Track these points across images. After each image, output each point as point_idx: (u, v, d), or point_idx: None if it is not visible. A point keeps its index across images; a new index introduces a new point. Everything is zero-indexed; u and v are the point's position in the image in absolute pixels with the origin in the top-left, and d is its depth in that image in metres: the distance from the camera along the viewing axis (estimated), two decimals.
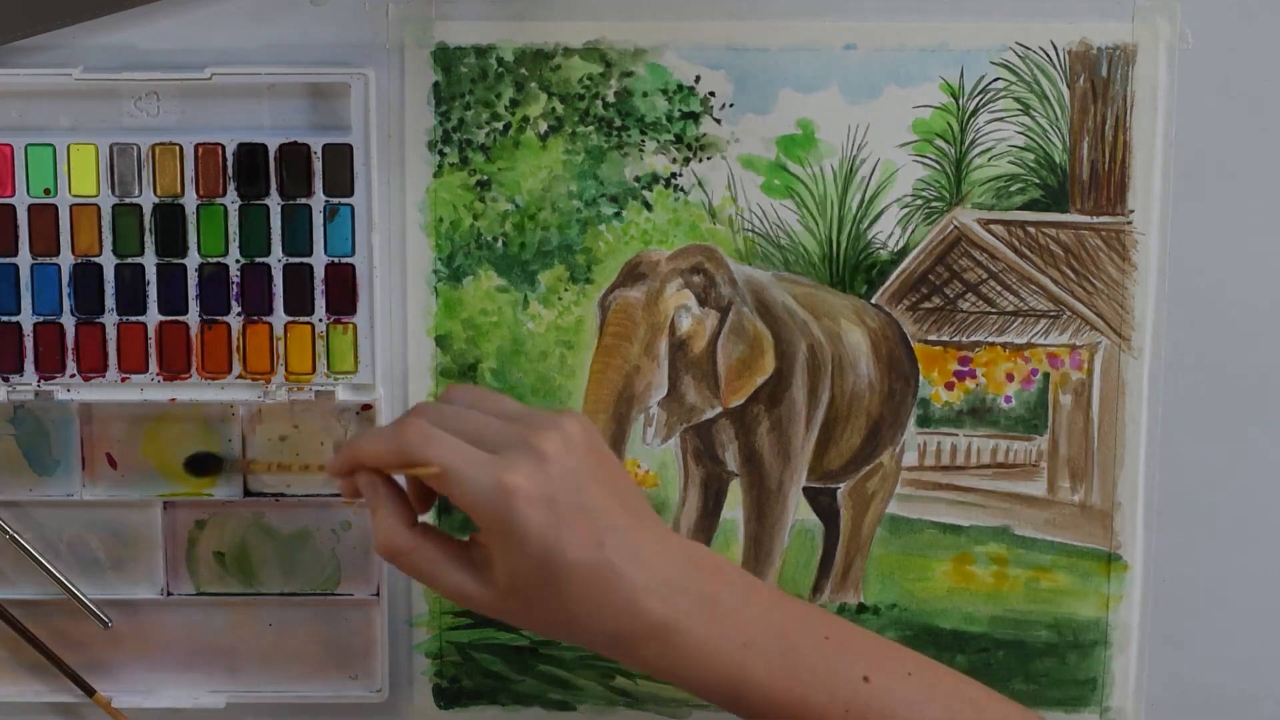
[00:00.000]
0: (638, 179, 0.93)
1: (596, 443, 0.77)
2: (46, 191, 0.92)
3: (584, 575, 0.74)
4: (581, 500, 0.74)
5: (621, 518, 0.75)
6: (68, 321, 0.92)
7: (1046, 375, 0.95)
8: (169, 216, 0.92)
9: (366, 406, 0.93)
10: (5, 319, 0.92)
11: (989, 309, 0.94)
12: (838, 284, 0.94)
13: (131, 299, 0.92)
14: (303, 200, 0.92)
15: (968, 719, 0.77)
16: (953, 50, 0.92)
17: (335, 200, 0.92)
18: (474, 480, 0.74)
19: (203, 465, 0.93)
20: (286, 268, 0.92)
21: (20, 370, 0.93)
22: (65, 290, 0.92)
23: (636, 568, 0.75)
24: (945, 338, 0.95)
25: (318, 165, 0.91)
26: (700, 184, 0.93)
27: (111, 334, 0.93)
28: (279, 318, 0.93)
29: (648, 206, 0.93)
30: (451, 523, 0.95)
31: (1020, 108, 0.92)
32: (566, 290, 0.94)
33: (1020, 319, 0.94)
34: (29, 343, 0.93)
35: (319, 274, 0.92)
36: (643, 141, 0.92)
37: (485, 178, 0.93)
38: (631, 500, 0.77)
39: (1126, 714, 0.97)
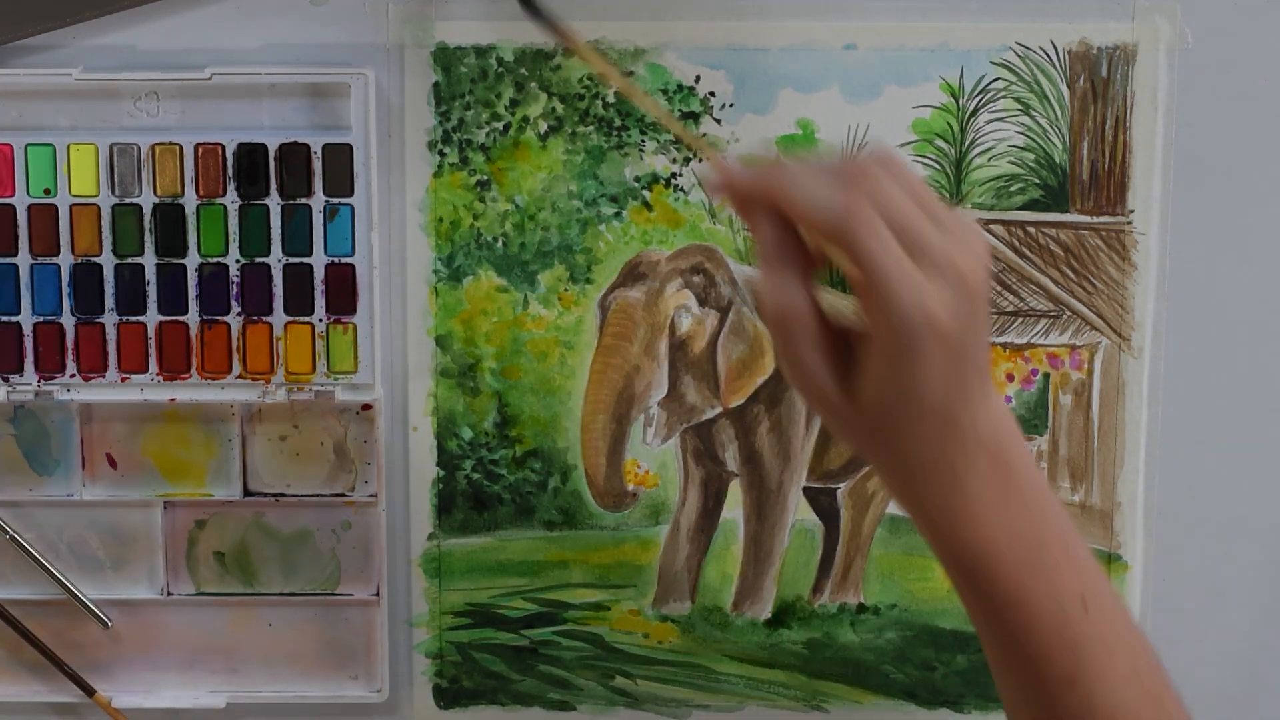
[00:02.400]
0: (638, 179, 0.93)
1: (989, 288, 0.70)
2: (46, 191, 0.92)
3: (940, 419, 0.69)
4: (971, 344, 0.68)
5: (981, 364, 0.70)
6: (68, 321, 0.92)
7: (1046, 375, 0.95)
8: (169, 216, 0.92)
9: (366, 406, 0.93)
10: (5, 319, 0.92)
11: (989, 309, 0.94)
12: (838, 284, 0.94)
13: (131, 299, 0.92)
14: (303, 200, 0.92)
15: (1147, 672, 0.74)
16: (953, 50, 0.92)
17: (335, 200, 0.92)
18: (900, 297, 0.66)
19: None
20: (286, 268, 0.92)
21: (20, 370, 0.93)
22: (65, 290, 0.92)
23: (969, 419, 0.69)
24: None
25: (318, 165, 0.91)
26: (700, 184, 0.93)
27: (111, 334, 0.93)
28: (279, 318, 0.93)
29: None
30: (450, 522, 0.95)
31: (1020, 108, 0.92)
32: (567, 290, 0.94)
33: (1020, 319, 0.94)
34: (29, 343, 0.93)
35: (319, 274, 0.92)
36: (643, 141, 0.92)
37: (485, 178, 0.93)
38: (988, 344, 0.72)
39: None
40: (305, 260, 0.92)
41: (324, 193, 0.92)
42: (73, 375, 0.93)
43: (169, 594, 0.95)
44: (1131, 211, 0.93)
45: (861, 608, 0.96)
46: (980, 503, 0.70)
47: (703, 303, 0.94)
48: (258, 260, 0.92)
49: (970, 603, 0.72)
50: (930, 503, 0.71)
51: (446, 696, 0.97)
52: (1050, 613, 0.70)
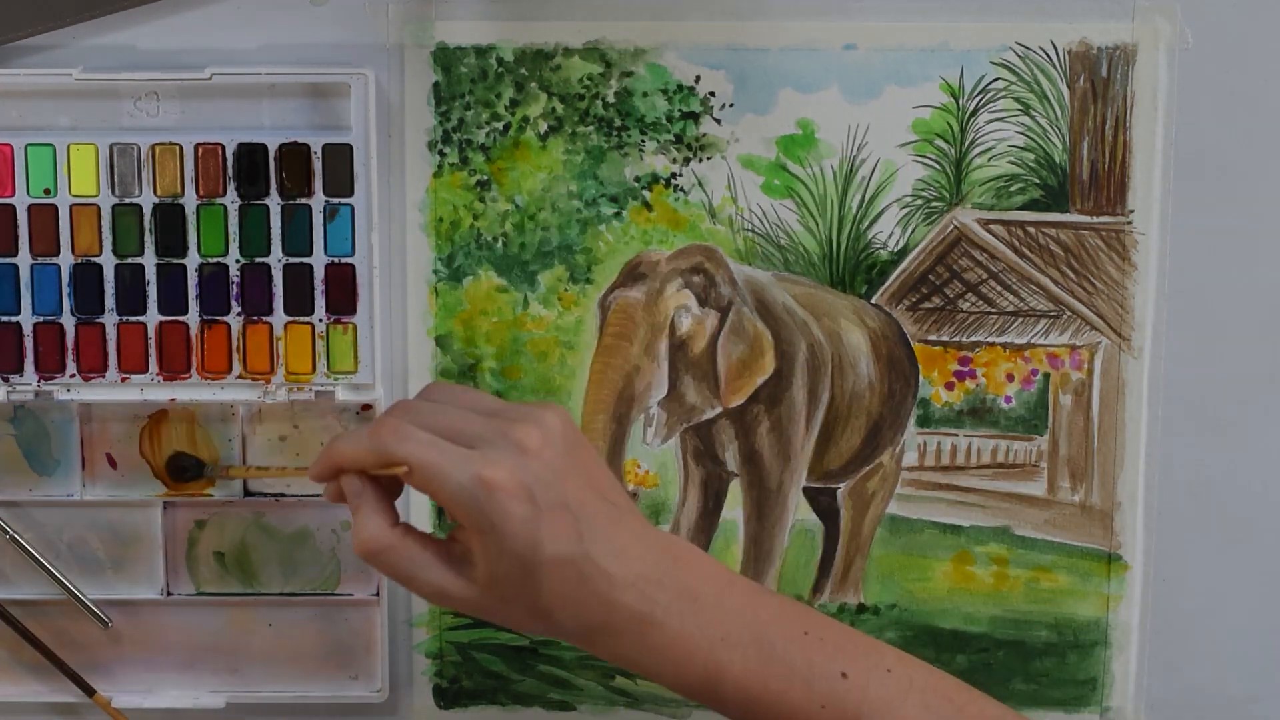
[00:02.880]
0: (638, 179, 0.93)
1: (575, 436, 0.77)
2: (46, 191, 0.92)
3: (561, 569, 0.74)
4: (561, 494, 0.74)
5: (600, 511, 0.75)
6: (68, 321, 0.92)
7: (1046, 375, 0.95)
8: (169, 216, 0.92)
9: (366, 406, 0.93)
10: (5, 319, 0.92)
11: (989, 309, 0.94)
12: (838, 284, 0.94)
13: (131, 299, 0.92)
14: (303, 200, 0.92)
15: (947, 717, 0.76)
16: (953, 50, 0.92)
17: (335, 200, 0.92)
18: (452, 476, 0.73)
19: (182, 470, 0.93)
20: (286, 268, 0.92)
21: (20, 370, 0.93)
22: (65, 290, 0.92)
23: (614, 561, 0.75)
24: (945, 338, 0.95)
25: (318, 165, 0.91)
26: (700, 184, 0.93)
27: (111, 334, 0.93)
28: (279, 318, 0.93)
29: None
30: (451, 522, 0.95)
31: (1020, 108, 0.92)
32: (567, 290, 0.94)
33: (1020, 319, 0.94)
34: (29, 343, 0.93)
35: (319, 274, 0.92)
36: (643, 141, 0.92)
37: (485, 178, 0.93)
38: (611, 493, 0.77)
39: (1126, 714, 0.97)
40: (305, 260, 0.92)
41: (324, 193, 0.92)
42: (73, 375, 0.93)
43: (169, 594, 0.95)
44: (1131, 211, 0.93)
45: (861, 608, 0.96)
46: (676, 627, 0.75)
47: (703, 303, 0.94)
48: (258, 260, 0.92)
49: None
50: (622, 647, 0.75)
51: (446, 696, 0.97)
52: (803, 695, 0.75)
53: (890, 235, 0.93)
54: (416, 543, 0.77)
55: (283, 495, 0.95)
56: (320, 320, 0.93)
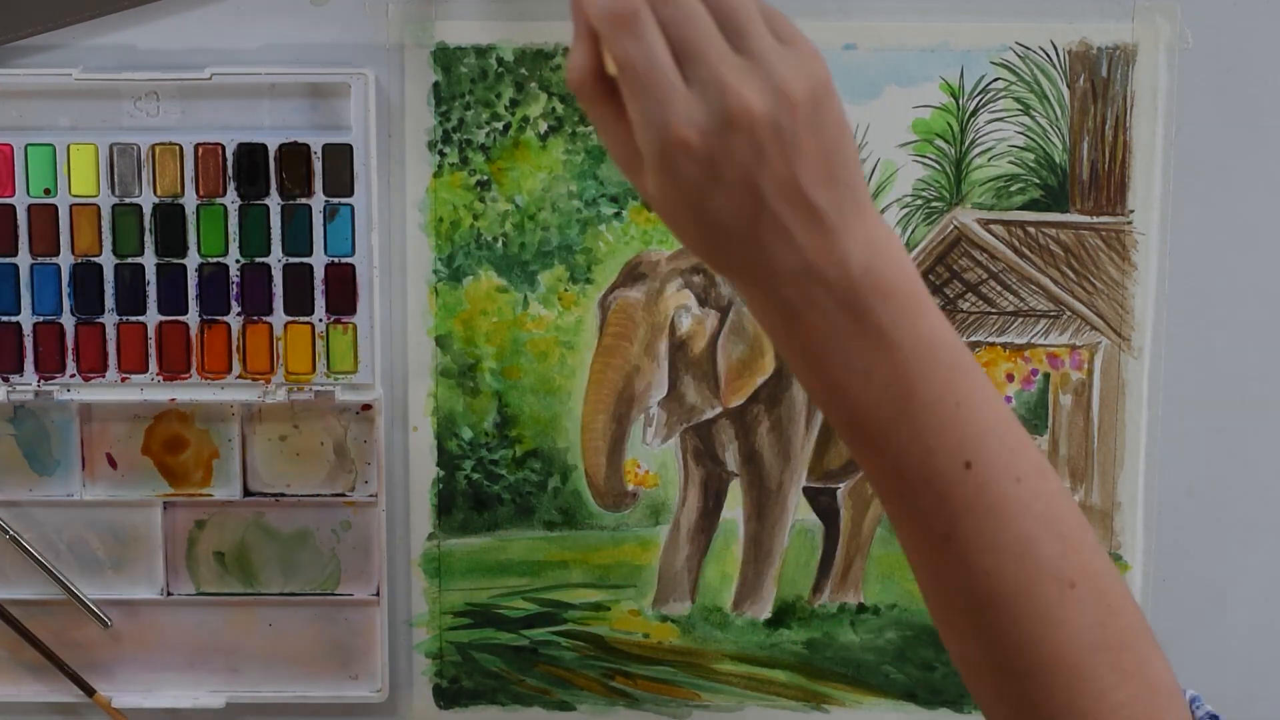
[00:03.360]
0: None
1: (814, 113, 0.64)
2: (46, 191, 0.92)
3: (728, 231, 0.64)
4: (752, 176, 0.63)
5: (799, 201, 0.64)
6: (68, 321, 0.92)
7: (1046, 375, 0.95)
8: (169, 216, 0.92)
9: (366, 406, 0.93)
10: (5, 319, 0.92)
11: (989, 309, 0.94)
12: None
13: (131, 299, 0.92)
14: (303, 200, 0.92)
15: (1049, 554, 0.66)
16: (953, 50, 0.92)
17: (335, 200, 0.92)
18: (646, 109, 0.63)
19: None
20: (286, 268, 0.92)
21: (20, 370, 0.93)
22: (65, 290, 0.92)
23: (787, 251, 0.64)
24: None
25: (318, 165, 0.91)
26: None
27: (111, 334, 0.93)
28: (279, 318, 0.93)
29: None
30: (450, 523, 0.95)
31: (1020, 108, 0.92)
32: (567, 290, 0.94)
33: (1020, 319, 0.94)
34: (29, 343, 0.93)
35: (319, 274, 0.92)
36: None
37: (485, 178, 0.93)
38: (824, 185, 0.64)
39: None
40: (305, 260, 0.92)
41: (324, 193, 0.91)
42: (73, 375, 0.93)
43: (169, 594, 0.95)
44: (1131, 211, 0.93)
45: (861, 608, 0.96)
46: (825, 343, 0.65)
47: (703, 303, 0.94)
48: (258, 260, 0.92)
49: (849, 447, 0.67)
50: (771, 320, 0.67)
51: (446, 696, 0.97)
52: (917, 463, 0.65)
53: None
54: (612, 110, 0.66)
55: (283, 495, 0.95)
56: (320, 320, 0.93)
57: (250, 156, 0.91)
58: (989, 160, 0.93)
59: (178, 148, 0.91)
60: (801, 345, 0.66)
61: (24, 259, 0.92)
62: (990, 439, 0.66)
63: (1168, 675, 0.68)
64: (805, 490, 0.96)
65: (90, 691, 0.95)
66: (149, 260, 0.92)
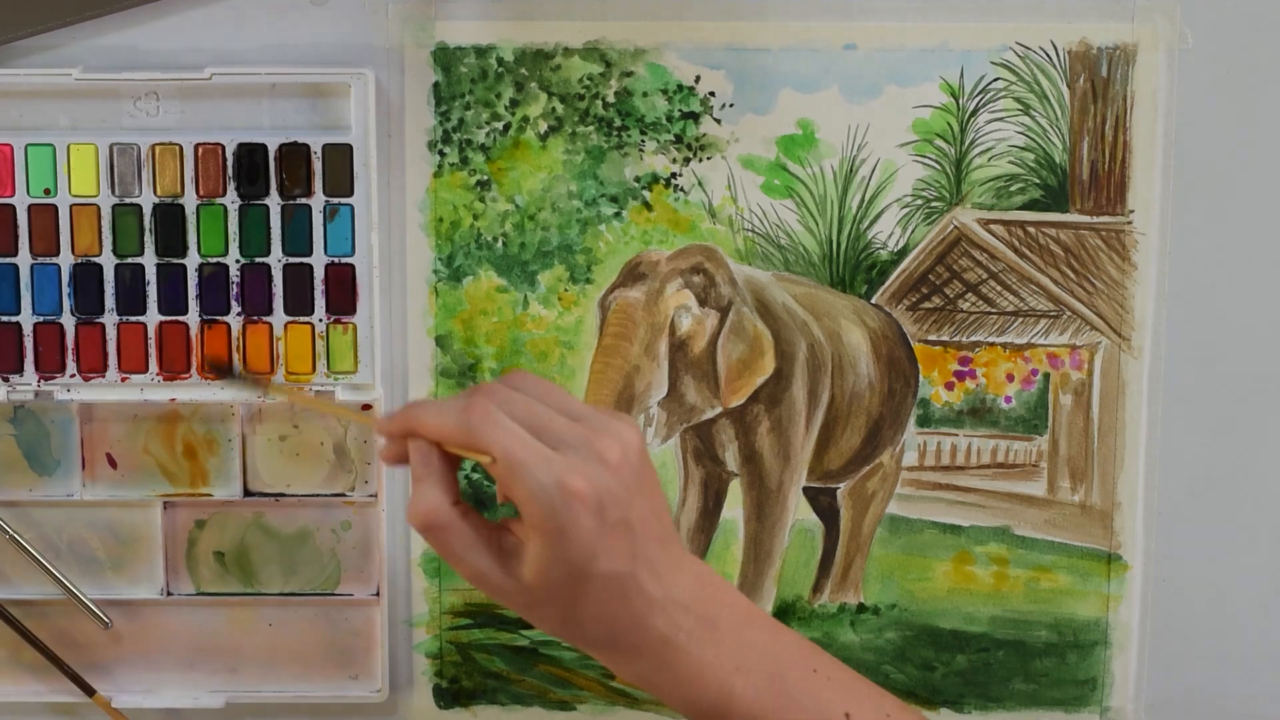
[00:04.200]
0: (638, 179, 0.93)
1: (645, 455, 0.77)
2: (46, 191, 0.92)
3: (608, 584, 0.74)
4: (626, 513, 0.74)
5: (654, 535, 0.76)
6: (68, 321, 0.93)
7: (1046, 375, 0.95)
8: (169, 216, 0.92)
9: (366, 406, 0.93)
10: (5, 319, 0.92)
11: (989, 309, 0.94)
12: (838, 284, 0.94)
13: (131, 299, 0.92)
14: (303, 200, 0.92)
15: None
16: (953, 50, 0.92)
17: (335, 200, 0.92)
18: (535, 475, 0.73)
19: (218, 369, 0.92)
20: (286, 268, 0.92)
21: (20, 370, 0.93)
22: (65, 290, 0.92)
23: (655, 583, 0.75)
24: (945, 338, 0.95)
25: (318, 165, 0.91)
26: (700, 184, 0.93)
27: (111, 334, 0.93)
28: (279, 318, 0.93)
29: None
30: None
31: (1020, 108, 0.92)
32: (567, 290, 0.94)
33: (1020, 319, 0.94)
34: (29, 343, 0.93)
35: (319, 274, 0.92)
36: (643, 141, 0.93)
37: (485, 178, 0.93)
38: (665, 517, 0.77)
39: (1126, 714, 0.97)
40: (305, 260, 0.92)
41: (324, 193, 0.92)
42: (73, 375, 0.93)
43: (169, 594, 0.95)
44: (1131, 211, 0.93)
45: (861, 608, 0.96)
46: (696, 654, 0.75)
47: (703, 303, 0.94)
48: (258, 260, 0.92)
49: None
50: (641, 666, 0.76)
51: (446, 696, 0.97)
52: None
53: (890, 235, 0.93)
54: (471, 526, 0.76)
55: (283, 495, 0.95)
56: (320, 320, 0.93)
57: (250, 156, 0.91)
58: (989, 160, 0.93)
59: (178, 148, 0.91)
60: (679, 662, 0.76)
61: (24, 259, 0.92)
62: (855, 690, 0.78)
63: None
64: (805, 490, 0.96)
65: (90, 691, 0.95)
66: (149, 260, 0.92)
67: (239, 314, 0.92)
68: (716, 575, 0.78)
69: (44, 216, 0.92)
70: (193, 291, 0.92)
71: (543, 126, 0.93)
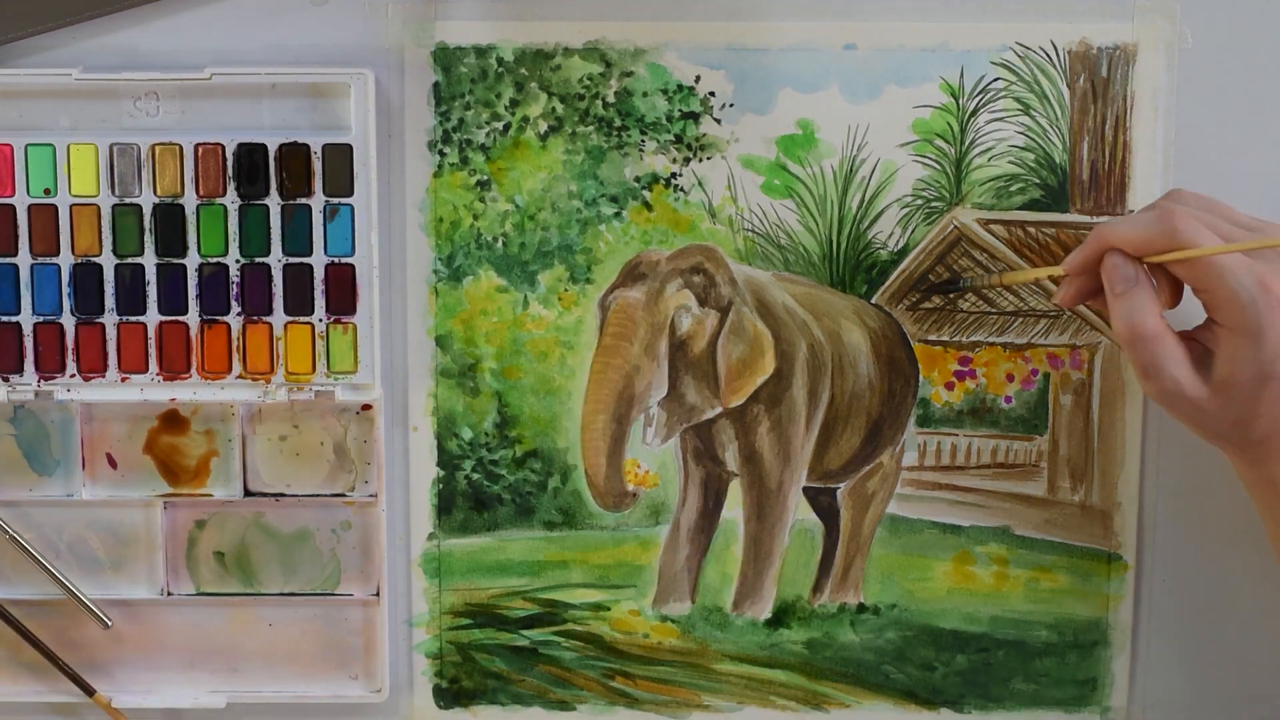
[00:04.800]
0: (638, 179, 0.93)
1: None
2: (46, 191, 0.92)
3: None
4: None
5: None
6: (68, 321, 0.93)
7: (1047, 375, 0.95)
8: (169, 216, 0.92)
9: (366, 406, 0.93)
10: (5, 319, 0.92)
11: (989, 309, 0.94)
12: (838, 284, 0.94)
13: (131, 299, 0.92)
14: (303, 200, 0.92)
15: None
16: (953, 50, 0.92)
17: (335, 200, 0.92)
18: (1238, 277, 0.78)
19: (942, 288, 0.93)
20: (286, 268, 0.92)
21: (20, 370, 0.93)
22: (65, 290, 0.92)
23: None
24: (945, 338, 0.95)
25: (318, 165, 0.91)
26: (700, 184, 0.93)
27: (111, 334, 0.93)
28: (279, 318, 0.93)
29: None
30: (450, 523, 0.95)
31: (1020, 108, 0.92)
32: (567, 290, 0.94)
33: (1020, 319, 0.94)
34: (29, 343, 0.93)
35: (319, 274, 0.92)
36: (643, 141, 0.93)
37: (485, 178, 0.93)
38: None
39: (1126, 714, 0.97)
40: (305, 260, 0.92)
41: (324, 193, 0.92)
42: (73, 375, 0.93)
43: (169, 594, 0.95)
44: (1131, 211, 0.93)
45: (861, 608, 0.96)
46: None
47: (703, 303, 0.94)
48: (258, 260, 0.92)
49: None
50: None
51: (446, 696, 0.97)
52: None
53: (890, 235, 0.93)
54: (1173, 337, 0.82)
55: (283, 495, 0.95)
56: (320, 320, 0.93)
57: (250, 156, 0.91)
58: (989, 160, 0.93)
59: (178, 148, 0.91)
60: None
61: (24, 259, 0.92)
62: None
63: None
64: (805, 490, 0.96)
65: (90, 691, 0.95)
66: (149, 260, 0.92)
67: (239, 314, 0.92)
68: None
69: (44, 216, 0.92)
70: (193, 291, 0.92)
71: (543, 126, 0.93)
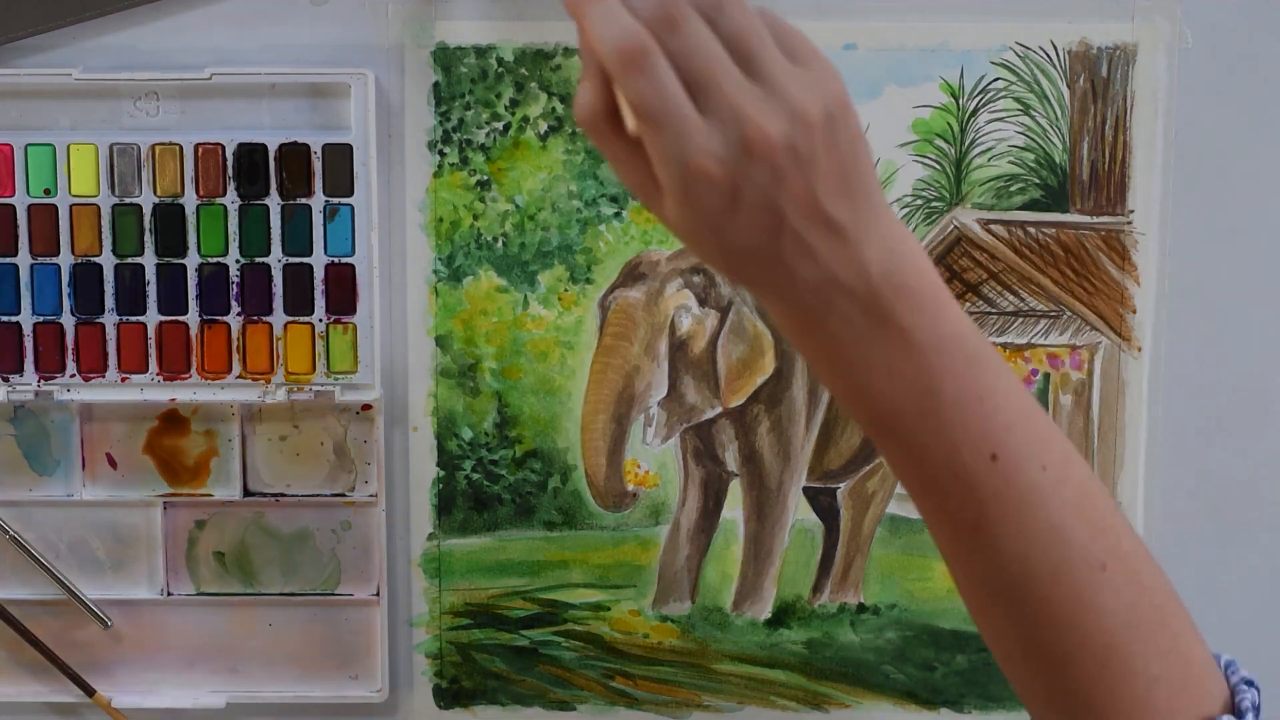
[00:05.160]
0: None
1: (834, 119, 0.64)
2: (46, 191, 0.92)
3: (746, 255, 0.65)
4: (772, 195, 0.64)
5: (814, 211, 0.64)
6: (68, 321, 0.92)
7: (1047, 376, 0.95)
8: (169, 216, 0.92)
9: (366, 406, 0.93)
10: (5, 319, 0.92)
11: (989, 309, 0.94)
12: None
13: (131, 299, 0.92)
14: (303, 200, 0.92)
15: (1079, 538, 0.68)
16: (953, 50, 0.92)
17: (335, 200, 0.92)
18: (666, 143, 0.63)
19: None
20: (286, 268, 0.92)
21: (20, 370, 0.93)
22: (65, 290, 0.92)
23: (808, 265, 0.65)
24: None
25: (318, 165, 0.91)
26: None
27: (111, 334, 0.93)
28: (279, 318, 0.93)
29: None
30: (450, 523, 0.95)
31: (1020, 108, 0.92)
32: (567, 290, 0.94)
33: (1020, 319, 0.94)
34: (29, 343, 0.93)
35: (319, 274, 0.92)
36: None
37: (485, 178, 0.93)
38: (851, 179, 0.65)
39: None
40: (305, 260, 0.92)
41: (324, 193, 0.91)
42: (73, 375, 0.93)
43: (169, 594, 0.95)
44: (1131, 211, 0.93)
45: (861, 608, 0.96)
46: (847, 346, 0.66)
47: (703, 303, 0.94)
48: (258, 260, 0.92)
49: (875, 444, 0.69)
50: (793, 337, 0.67)
51: (446, 696, 0.97)
52: (943, 458, 0.66)
53: None
54: (624, 144, 0.66)
55: (283, 495, 0.95)
56: (320, 320, 0.93)
57: (250, 156, 0.91)
58: (989, 160, 0.93)
59: (178, 148, 0.91)
60: (825, 350, 0.66)
61: (24, 259, 0.92)
62: (1015, 430, 0.67)
63: (1200, 648, 0.69)
64: (805, 490, 0.96)
65: (90, 691, 0.95)
66: (149, 260, 0.92)
67: (239, 314, 0.92)
68: (918, 256, 0.67)
69: (44, 216, 0.92)
70: (193, 291, 0.92)
71: (543, 126, 0.92)
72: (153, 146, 0.91)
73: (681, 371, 0.94)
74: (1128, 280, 0.93)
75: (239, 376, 0.93)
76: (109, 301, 0.92)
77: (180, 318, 0.93)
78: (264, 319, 0.93)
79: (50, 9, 0.90)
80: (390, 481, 0.95)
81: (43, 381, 0.93)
